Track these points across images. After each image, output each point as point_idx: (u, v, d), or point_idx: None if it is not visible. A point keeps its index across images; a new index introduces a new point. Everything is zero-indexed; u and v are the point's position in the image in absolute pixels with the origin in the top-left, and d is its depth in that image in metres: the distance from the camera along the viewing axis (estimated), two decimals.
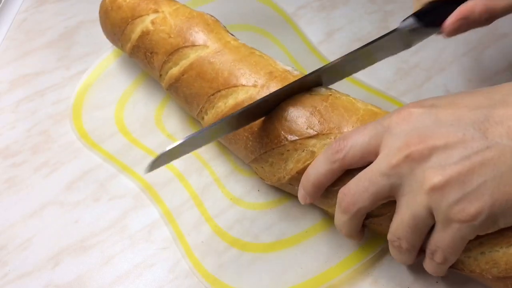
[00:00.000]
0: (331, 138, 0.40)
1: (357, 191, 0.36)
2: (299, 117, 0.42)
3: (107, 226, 0.47)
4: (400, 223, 0.35)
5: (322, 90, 0.44)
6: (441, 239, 0.34)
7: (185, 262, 0.44)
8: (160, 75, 0.51)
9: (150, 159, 0.49)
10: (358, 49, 0.43)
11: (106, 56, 0.61)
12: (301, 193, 0.41)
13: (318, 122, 0.41)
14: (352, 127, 0.40)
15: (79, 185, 0.50)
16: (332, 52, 0.61)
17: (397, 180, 0.34)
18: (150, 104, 0.56)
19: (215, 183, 0.49)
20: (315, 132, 0.41)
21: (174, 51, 0.48)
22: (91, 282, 0.43)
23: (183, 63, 0.48)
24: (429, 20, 0.42)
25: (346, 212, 0.37)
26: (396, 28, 0.42)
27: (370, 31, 0.63)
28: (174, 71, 0.48)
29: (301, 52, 0.61)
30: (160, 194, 0.48)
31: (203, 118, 0.48)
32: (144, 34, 0.51)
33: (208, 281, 0.43)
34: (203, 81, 0.46)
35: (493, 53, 0.61)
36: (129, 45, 0.53)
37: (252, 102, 0.43)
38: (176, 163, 0.51)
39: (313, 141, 0.41)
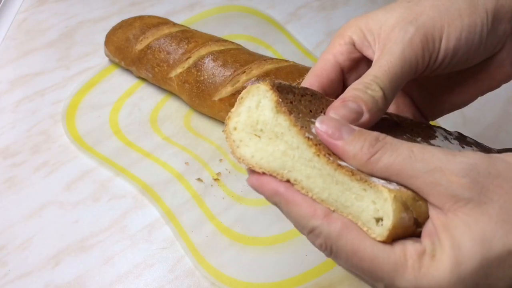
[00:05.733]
0: None
1: None
2: None
3: (107, 226, 0.47)
4: None
5: None
6: None
7: (189, 259, 0.44)
8: None
9: (147, 161, 0.49)
10: None
11: (101, 63, 0.61)
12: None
13: None
14: None
15: (79, 185, 0.50)
16: None
17: None
18: (145, 107, 0.56)
19: (216, 183, 0.49)
20: None
21: None
22: (91, 282, 0.43)
23: None
24: None
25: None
26: None
27: None
28: None
29: (295, 56, 0.61)
30: (160, 194, 0.48)
31: None
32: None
33: (213, 276, 0.43)
34: None
35: None
36: None
37: None
38: (175, 164, 0.51)
39: None
